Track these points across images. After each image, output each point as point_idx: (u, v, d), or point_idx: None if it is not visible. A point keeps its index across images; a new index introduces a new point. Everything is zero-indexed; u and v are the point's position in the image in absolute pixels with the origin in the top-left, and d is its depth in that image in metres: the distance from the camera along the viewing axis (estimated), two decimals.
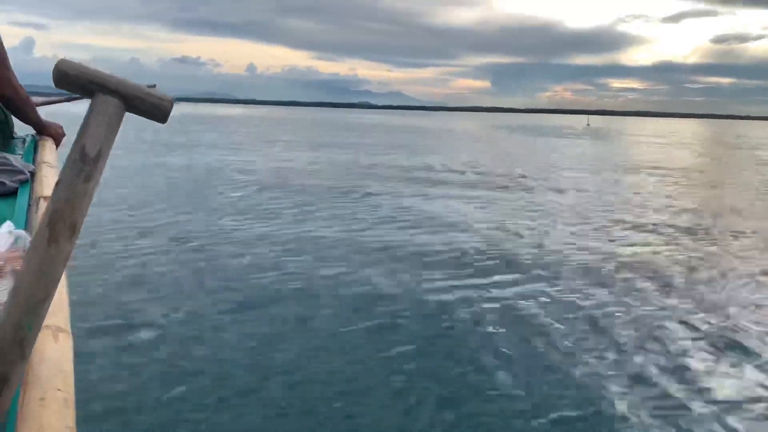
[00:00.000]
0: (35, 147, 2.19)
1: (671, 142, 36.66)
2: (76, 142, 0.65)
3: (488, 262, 6.29)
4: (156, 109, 0.70)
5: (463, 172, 15.54)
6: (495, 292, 5.27)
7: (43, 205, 1.35)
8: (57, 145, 2.29)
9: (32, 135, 2.35)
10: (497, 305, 4.93)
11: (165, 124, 0.74)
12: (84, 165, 0.64)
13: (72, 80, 0.67)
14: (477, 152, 24.01)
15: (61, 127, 2.37)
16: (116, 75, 0.72)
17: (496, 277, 5.75)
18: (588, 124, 73.08)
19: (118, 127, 0.69)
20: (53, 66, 0.67)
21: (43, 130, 2.30)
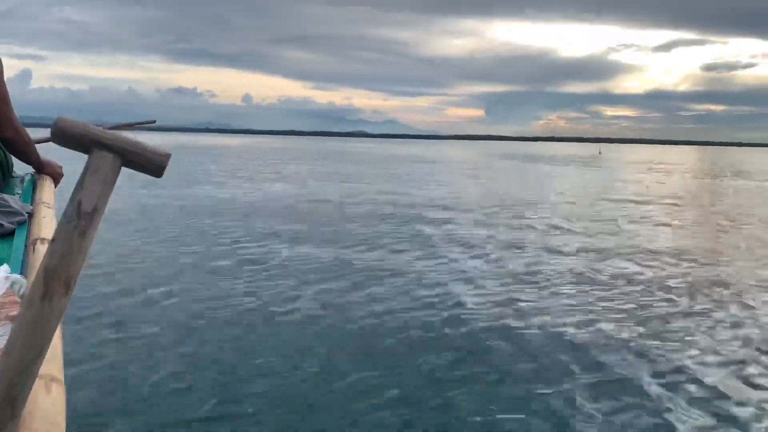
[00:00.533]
0: (34, 186, 2.20)
1: (676, 170, 35.62)
2: (72, 197, 0.67)
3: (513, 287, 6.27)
4: (152, 164, 0.71)
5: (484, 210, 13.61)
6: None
7: (39, 248, 1.35)
8: (56, 183, 2.31)
9: (31, 174, 2.36)
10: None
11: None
12: (80, 220, 0.65)
13: (70, 137, 0.69)
14: (488, 183, 22.82)
15: (60, 166, 2.39)
16: (114, 122, 0.73)
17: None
18: (600, 153, 72.69)
19: (114, 182, 0.70)
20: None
21: (42, 168, 2.32)
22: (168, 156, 0.73)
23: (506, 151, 71.84)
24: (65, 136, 0.69)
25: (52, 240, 0.65)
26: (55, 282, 0.63)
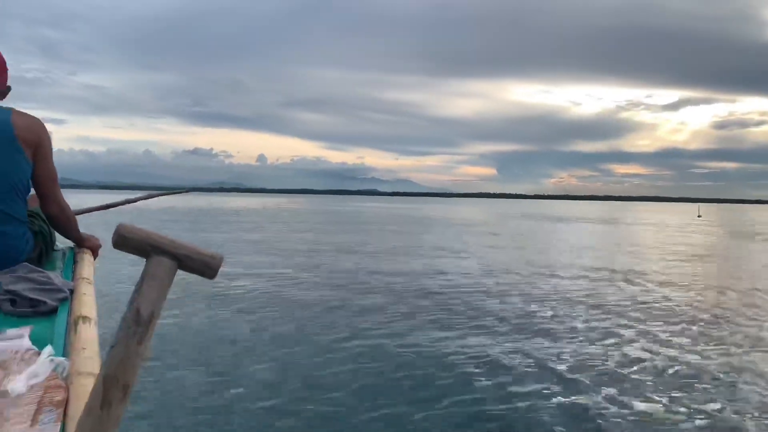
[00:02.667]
0: (74, 260, 2.26)
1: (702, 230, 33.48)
2: (131, 304, 0.70)
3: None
4: (206, 267, 0.76)
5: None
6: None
7: (81, 327, 1.39)
8: (95, 256, 2.37)
9: (71, 247, 2.43)
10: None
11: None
12: (137, 327, 0.69)
13: (130, 243, 0.73)
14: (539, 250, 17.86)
15: (98, 240, 2.46)
16: (169, 236, 0.77)
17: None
18: (699, 216, 55.56)
19: (170, 285, 0.74)
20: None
21: (82, 243, 2.39)
22: (221, 259, 0.77)
23: (524, 211, 66.57)
24: (125, 242, 0.74)
25: (112, 346, 0.68)
26: (114, 389, 0.65)
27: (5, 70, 2.18)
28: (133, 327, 0.69)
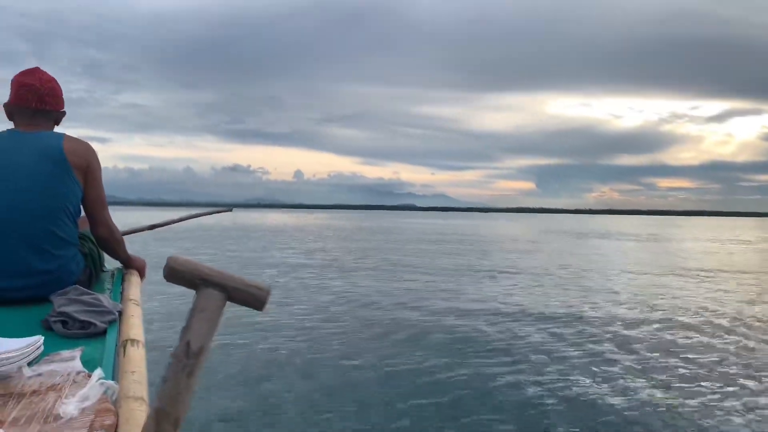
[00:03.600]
0: (122, 280, 2.33)
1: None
2: (182, 338, 0.71)
3: None
4: (254, 299, 0.76)
5: None
6: None
7: (130, 349, 1.42)
8: (141, 277, 2.44)
9: (119, 268, 2.50)
10: None
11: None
12: (188, 360, 0.69)
13: (180, 275, 0.75)
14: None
15: (144, 260, 2.54)
16: (218, 268, 0.78)
17: None
18: None
19: (220, 318, 0.74)
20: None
21: (129, 263, 2.46)
22: (269, 291, 0.77)
23: (566, 226, 60.68)
24: (176, 274, 0.75)
25: (163, 380, 0.69)
26: (165, 423, 0.66)
27: (60, 95, 2.27)
28: (184, 360, 0.69)
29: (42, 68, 2.24)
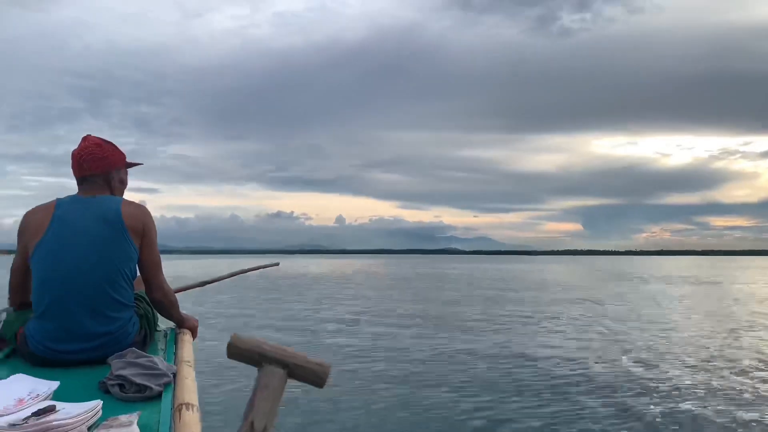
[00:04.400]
0: (175, 340, 2.36)
1: None
2: (245, 417, 0.70)
3: None
4: (315, 376, 0.75)
5: None
6: None
7: (185, 414, 1.43)
8: (194, 336, 2.46)
9: (171, 328, 2.55)
10: None
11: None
12: None
13: (243, 353, 0.74)
14: None
15: (196, 320, 2.57)
16: (279, 344, 0.78)
17: None
18: None
19: (282, 395, 0.73)
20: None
21: (182, 324, 2.49)
22: (329, 368, 0.76)
23: (618, 268, 55.68)
24: (238, 352, 0.75)
25: None
26: None
27: (101, 156, 2.29)
28: None
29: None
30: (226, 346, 0.77)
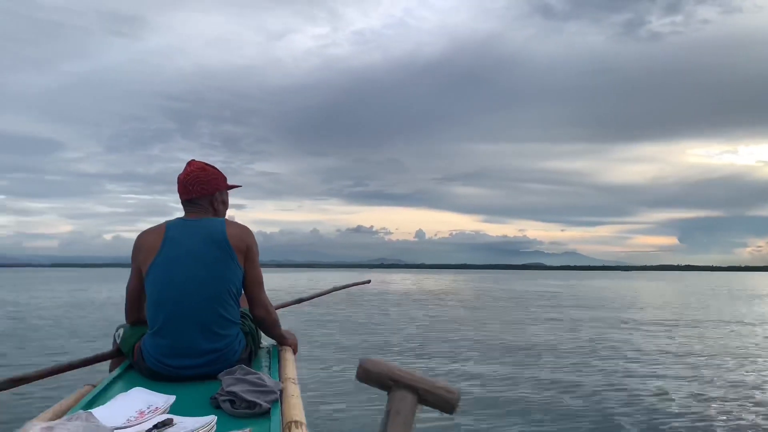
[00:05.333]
0: (278, 357, 2.43)
1: None
2: None
3: None
4: (445, 402, 0.73)
5: None
6: None
7: (294, 431, 1.44)
8: (294, 352, 2.52)
9: (273, 345, 2.62)
10: None
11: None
12: None
13: (373, 377, 0.74)
14: None
15: (296, 337, 2.63)
16: (411, 371, 0.76)
17: None
18: None
19: (413, 421, 0.71)
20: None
21: (284, 341, 2.56)
22: (458, 394, 0.74)
23: (724, 285, 48.89)
24: (369, 376, 0.74)
25: None
26: None
27: (206, 180, 2.41)
28: None
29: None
30: (356, 368, 0.76)
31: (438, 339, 11.64)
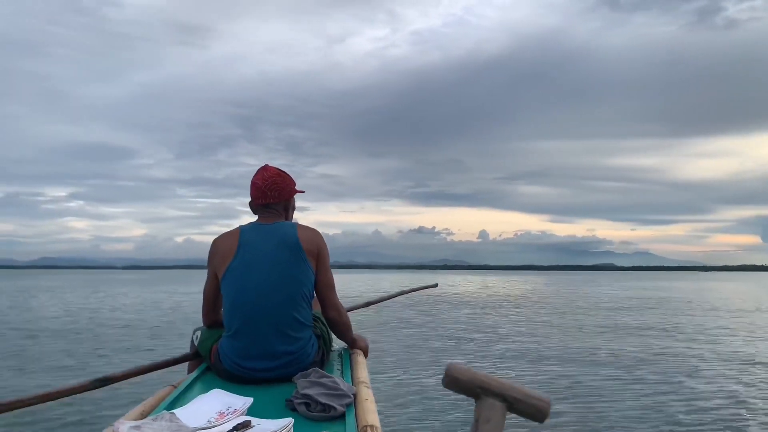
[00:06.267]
0: (349, 360, 2.45)
1: None
2: None
3: None
4: (536, 411, 0.70)
5: None
6: None
7: None
8: (365, 355, 2.52)
9: (345, 348, 2.63)
10: None
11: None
12: None
13: (461, 384, 0.71)
14: None
15: (367, 340, 2.63)
16: (495, 376, 0.73)
17: None
18: None
19: (503, 429, 0.68)
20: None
21: (355, 344, 2.57)
22: (549, 403, 0.70)
23: None
24: (457, 383, 0.71)
25: None
26: None
27: (283, 186, 2.44)
28: None
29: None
30: (443, 375, 0.74)
31: (510, 344, 10.96)
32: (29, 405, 2.02)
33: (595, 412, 5.78)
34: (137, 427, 1.51)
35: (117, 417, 1.71)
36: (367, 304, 3.46)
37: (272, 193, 2.44)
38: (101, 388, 2.30)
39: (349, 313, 2.75)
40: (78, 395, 2.22)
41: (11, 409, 1.95)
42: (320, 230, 2.42)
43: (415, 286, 4.15)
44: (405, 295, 3.92)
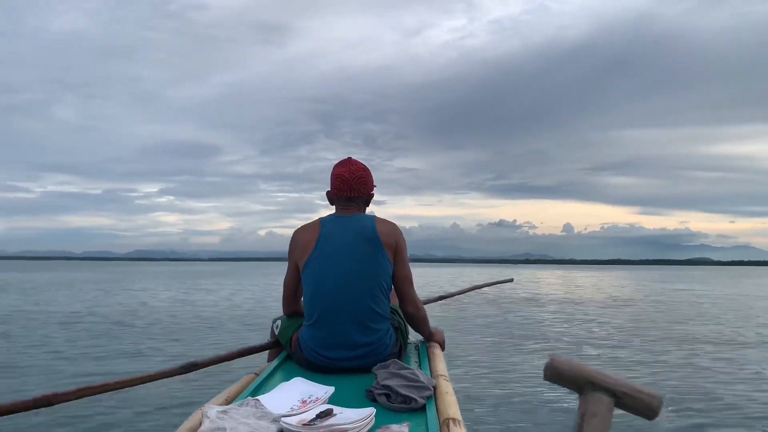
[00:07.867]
0: (426, 353, 2.40)
1: None
2: None
3: None
4: (646, 408, 0.64)
5: None
6: None
7: (453, 429, 1.40)
8: (442, 348, 2.49)
9: (421, 341, 2.61)
10: None
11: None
12: None
13: (566, 377, 0.68)
14: None
15: (443, 333, 2.59)
16: (603, 371, 0.66)
17: None
18: None
19: (610, 425, 0.63)
20: (547, 365, 0.66)
21: (432, 337, 2.54)
22: (661, 400, 0.63)
23: None
24: (560, 376, 0.68)
25: None
26: None
27: (368, 181, 2.46)
28: None
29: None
30: (544, 367, 0.68)
31: (598, 348, 9.86)
32: (126, 386, 2.13)
33: (708, 409, 4.83)
34: (224, 411, 1.54)
35: (203, 402, 1.76)
36: (441, 298, 3.43)
37: (359, 186, 2.45)
38: (188, 374, 2.39)
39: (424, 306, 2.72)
40: (167, 379, 2.31)
41: (112, 390, 2.07)
42: (399, 224, 2.40)
43: (489, 280, 4.08)
44: (480, 290, 3.84)
